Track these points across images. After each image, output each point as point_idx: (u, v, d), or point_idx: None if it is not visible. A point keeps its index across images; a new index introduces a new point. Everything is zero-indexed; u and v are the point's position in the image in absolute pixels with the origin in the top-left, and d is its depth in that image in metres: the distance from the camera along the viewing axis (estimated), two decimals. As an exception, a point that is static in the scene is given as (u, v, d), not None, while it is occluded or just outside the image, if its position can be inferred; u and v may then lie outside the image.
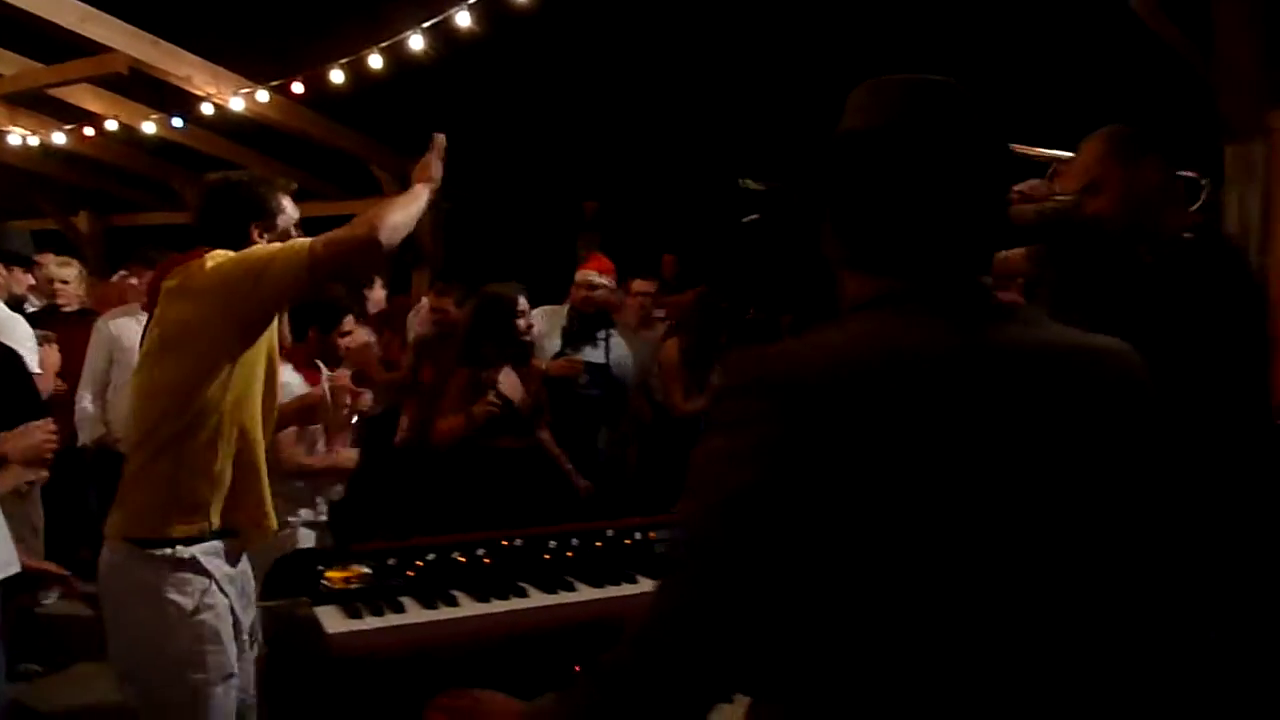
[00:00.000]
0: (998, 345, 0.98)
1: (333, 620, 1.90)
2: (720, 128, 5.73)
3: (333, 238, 2.02)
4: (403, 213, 2.06)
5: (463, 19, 5.04)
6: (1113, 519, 1.00)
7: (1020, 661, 0.96)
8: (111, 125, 6.14)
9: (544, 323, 4.13)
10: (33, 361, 3.47)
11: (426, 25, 5.19)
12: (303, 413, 3.07)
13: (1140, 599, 1.06)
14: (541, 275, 4.62)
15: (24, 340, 3.54)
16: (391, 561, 2.09)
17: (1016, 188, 2.39)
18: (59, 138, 6.47)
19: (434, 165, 2.20)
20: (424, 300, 5.22)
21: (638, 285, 4.87)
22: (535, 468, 3.51)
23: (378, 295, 5.19)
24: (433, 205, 2.26)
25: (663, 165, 6.28)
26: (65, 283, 4.97)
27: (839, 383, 0.91)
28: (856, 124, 1.09)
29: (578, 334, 4.08)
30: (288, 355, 3.03)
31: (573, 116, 6.13)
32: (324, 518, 3.20)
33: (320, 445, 3.22)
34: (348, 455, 3.25)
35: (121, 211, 8.85)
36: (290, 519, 3.01)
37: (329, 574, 2.03)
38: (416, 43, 5.25)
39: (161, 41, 5.53)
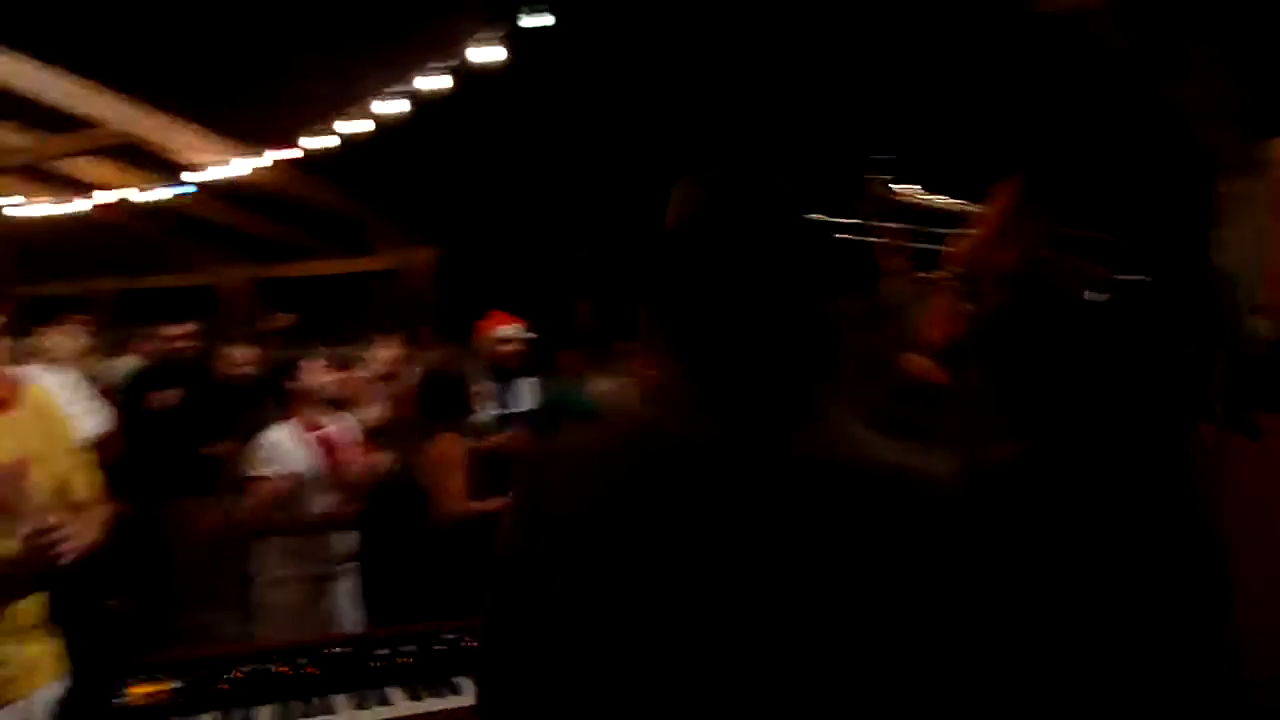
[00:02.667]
0: (759, 447, 0.95)
1: (119, 745, 1.79)
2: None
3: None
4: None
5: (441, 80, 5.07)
6: (850, 637, 0.91)
7: None
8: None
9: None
10: None
11: (406, 89, 5.23)
12: None
13: None
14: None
15: None
16: (204, 673, 1.98)
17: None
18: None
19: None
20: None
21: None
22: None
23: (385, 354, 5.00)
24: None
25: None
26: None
27: (579, 471, 0.99)
28: (669, 219, 1.09)
29: (503, 389, 4.06)
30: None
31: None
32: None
33: None
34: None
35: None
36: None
37: (132, 689, 1.92)
38: (398, 106, 5.29)
39: (156, 112, 5.68)
